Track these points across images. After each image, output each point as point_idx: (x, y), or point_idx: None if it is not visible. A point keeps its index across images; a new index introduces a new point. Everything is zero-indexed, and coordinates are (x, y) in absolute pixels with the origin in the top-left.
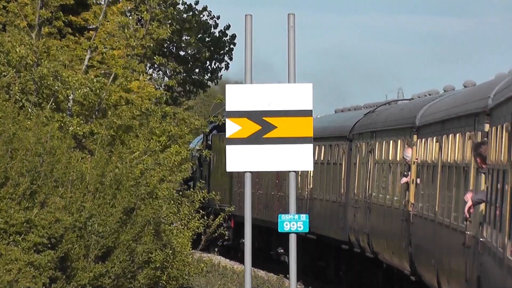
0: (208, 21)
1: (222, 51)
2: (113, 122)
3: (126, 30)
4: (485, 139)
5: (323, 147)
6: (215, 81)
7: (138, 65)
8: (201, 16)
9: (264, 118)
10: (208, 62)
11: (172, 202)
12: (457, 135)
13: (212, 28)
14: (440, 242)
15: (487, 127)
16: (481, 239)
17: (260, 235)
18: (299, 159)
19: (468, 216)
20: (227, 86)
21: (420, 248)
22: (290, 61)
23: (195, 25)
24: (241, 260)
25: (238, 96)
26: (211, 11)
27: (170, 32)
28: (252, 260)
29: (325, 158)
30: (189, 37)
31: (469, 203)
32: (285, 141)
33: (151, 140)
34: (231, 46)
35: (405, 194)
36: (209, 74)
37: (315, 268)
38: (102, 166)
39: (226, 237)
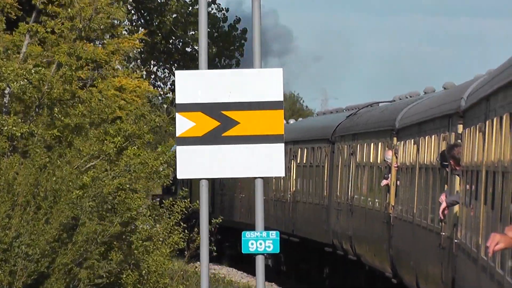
0: (216, 14)
1: (232, 47)
2: (58, 121)
3: (69, 10)
4: (459, 140)
5: (305, 149)
6: None
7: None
8: (209, 9)
9: (223, 112)
10: (216, 59)
11: (149, 214)
12: (433, 136)
13: (221, 22)
14: (418, 244)
15: (460, 128)
16: (455, 240)
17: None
18: (267, 162)
19: (442, 217)
20: (177, 73)
21: (400, 251)
22: (255, 39)
23: None
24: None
25: (191, 85)
26: (219, 4)
27: (125, 12)
28: (236, 264)
29: (308, 160)
30: (194, 32)
31: (443, 204)
32: (250, 140)
33: (105, 142)
34: (242, 41)
35: (386, 196)
36: None
37: (298, 271)
38: (35, 173)
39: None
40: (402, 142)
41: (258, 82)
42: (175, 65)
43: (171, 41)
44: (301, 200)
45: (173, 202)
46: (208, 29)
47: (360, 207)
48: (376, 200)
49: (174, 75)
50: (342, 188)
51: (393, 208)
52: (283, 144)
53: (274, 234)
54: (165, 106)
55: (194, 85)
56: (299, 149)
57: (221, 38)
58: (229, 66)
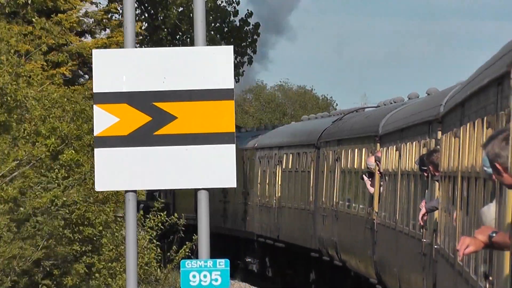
0: (227, 7)
1: (244, 43)
2: None
3: None
4: (438, 146)
5: (291, 154)
6: (236, 78)
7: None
8: (218, 2)
9: (155, 104)
10: None
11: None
12: (414, 143)
13: (232, 16)
14: (401, 250)
15: (439, 134)
16: (435, 246)
17: (227, 244)
18: (214, 169)
19: (422, 223)
20: (94, 52)
21: (384, 257)
22: (198, 8)
23: (210, 12)
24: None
25: (113, 68)
26: None
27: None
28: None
29: (293, 165)
30: None
31: (423, 210)
32: (191, 140)
33: (36, 144)
34: (255, 37)
35: (370, 202)
36: None
37: (284, 277)
38: None
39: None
40: (385, 148)
41: (202, 64)
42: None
43: (177, 37)
44: (286, 206)
45: (147, 216)
46: (218, 24)
47: (345, 212)
48: (361, 206)
49: None
50: (328, 194)
51: (377, 214)
52: (234, 146)
53: (222, 263)
54: None
55: (118, 68)
56: (285, 154)
57: (232, 34)
58: (241, 65)
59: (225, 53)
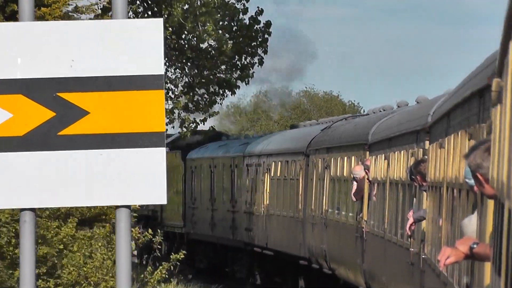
0: (235, 5)
1: (254, 43)
2: None
3: None
4: (425, 156)
5: (280, 162)
6: (246, 80)
7: None
8: None
9: (60, 95)
10: (236, 56)
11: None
12: (402, 152)
13: (241, 14)
14: (389, 259)
15: (427, 144)
16: (423, 256)
17: (215, 252)
18: (139, 180)
19: (409, 233)
20: None
21: (373, 265)
22: None
23: (218, 9)
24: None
25: (4, 49)
26: None
27: None
28: (208, 277)
29: (282, 173)
30: (207, 25)
31: (410, 220)
32: (107, 142)
33: None
34: (265, 36)
35: (359, 210)
36: (238, 72)
37: (273, 285)
38: None
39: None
40: (374, 157)
41: (123, 43)
42: (188, 64)
43: (183, 36)
44: (275, 213)
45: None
46: (226, 22)
47: (335, 220)
48: (350, 214)
49: (186, 76)
50: (317, 202)
51: (366, 222)
52: (164, 150)
53: None
54: (176, 111)
55: (10, 48)
56: (273, 162)
57: (241, 33)
58: (251, 66)
59: (154, 27)
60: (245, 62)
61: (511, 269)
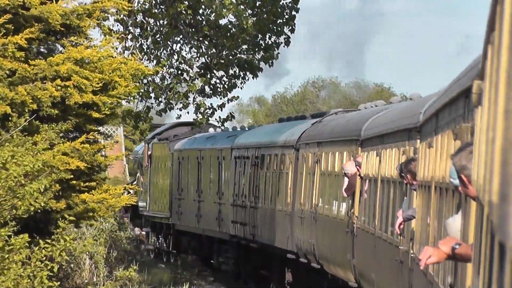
0: None
1: (280, 20)
2: None
3: None
4: (416, 155)
5: (269, 155)
6: (270, 62)
7: None
8: None
9: None
10: (259, 35)
11: None
12: (394, 149)
13: None
14: (379, 256)
15: (418, 143)
16: (411, 255)
17: (200, 244)
18: None
19: (398, 232)
20: None
21: (363, 262)
22: None
23: None
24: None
25: None
26: None
27: None
28: (193, 269)
29: (271, 166)
30: None
31: (400, 219)
32: None
33: None
34: (293, 12)
35: (350, 206)
36: (261, 53)
37: (259, 277)
38: None
39: (165, 246)
40: (365, 153)
41: None
42: (205, 42)
43: (200, 11)
44: (263, 207)
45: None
46: None
47: (324, 215)
48: (341, 209)
49: (203, 55)
50: (306, 196)
51: (357, 218)
52: None
53: None
54: (191, 95)
55: None
56: (262, 155)
57: (265, 8)
58: (276, 46)
59: None
60: (269, 42)
61: (489, 271)
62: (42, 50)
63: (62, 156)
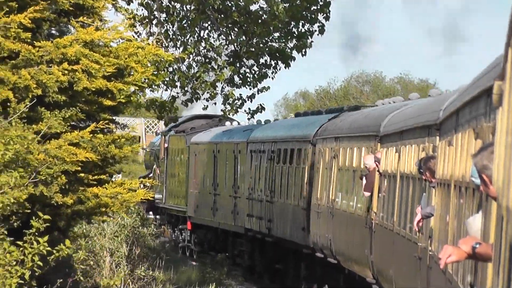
0: None
1: (315, 7)
2: None
3: None
4: (435, 153)
5: (286, 149)
6: (303, 50)
7: None
8: None
9: None
10: (292, 22)
11: None
12: (413, 146)
13: None
14: (397, 252)
15: (437, 140)
16: (430, 253)
17: (216, 237)
18: None
19: (417, 229)
20: None
21: (381, 257)
22: None
23: None
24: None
25: None
26: None
27: None
28: (211, 261)
29: (287, 160)
30: None
31: (419, 216)
32: None
33: None
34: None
35: (369, 202)
36: (294, 41)
37: (274, 272)
38: None
39: (181, 239)
40: (385, 149)
41: None
42: (234, 29)
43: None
44: (278, 201)
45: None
46: None
47: (342, 210)
48: (358, 205)
49: (232, 43)
50: (323, 191)
51: (375, 214)
52: None
53: None
54: (219, 85)
55: None
56: (279, 149)
57: None
58: (309, 34)
59: None
60: (303, 30)
61: (508, 271)
62: (53, 32)
63: (69, 146)
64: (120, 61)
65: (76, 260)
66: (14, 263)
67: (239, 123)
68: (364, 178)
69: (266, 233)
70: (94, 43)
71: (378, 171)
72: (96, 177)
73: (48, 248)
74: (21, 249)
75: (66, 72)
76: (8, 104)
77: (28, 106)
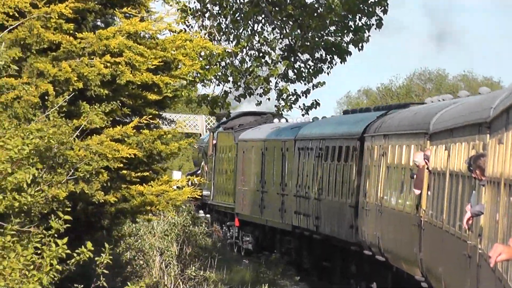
0: None
1: (372, 0)
2: None
3: None
4: (485, 151)
5: (333, 147)
6: (360, 45)
7: None
8: None
9: None
10: (349, 16)
11: None
12: (463, 144)
13: None
14: (446, 250)
15: (488, 138)
16: (479, 251)
17: (263, 234)
18: None
19: (467, 227)
20: None
21: (430, 255)
22: None
23: None
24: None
25: None
26: None
27: None
28: (256, 258)
29: (335, 158)
30: None
31: (468, 214)
32: None
33: None
34: None
35: (418, 199)
36: (350, 35)
37: (322, 269)
38: None
39: (229, 235)
40: (434, 147)
41: None
42: (289, 22)
43: None
44: (326, 198)
45: None
46: None
47: (390, 208)
48: (407, 203)
49: (286, 36)
50: (372, 188)
51: (424, 212)
52: None
53: None
54: (273, 80)
55: None
56: (327, 147)
57: None
58: (367, 28)
59: None
60: (360, 24)
61: None
62: (98, 24)
63: (111, 142)
64: (167, 53)
65: (98, 264)
66: (32, 267)
67: (287, 120)
68: (415, 175)
69: (313, 231)
70: (139, 34)
71: (428, 168)
72: (139, 174)
73: (68, 251)
74: (39, 251)
75: (108, 64)
76: (46, 97)
77: (66, 99)
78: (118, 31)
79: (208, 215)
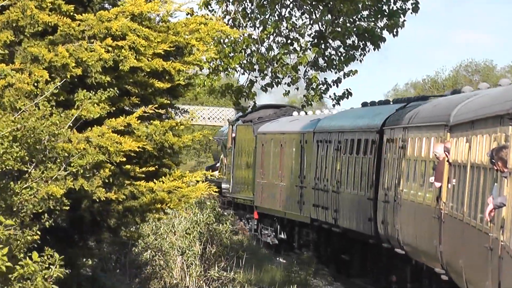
0: None
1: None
2: None
3: None
4: (507, 143)
5: (352, 140)
6: (395, 30)
7: None
8: None
9: None
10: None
11: None
12: (485, 136)
13: None
14: (467, 243)
15: (510, 130)
16: (501, 243)
17: (282, 226)
18: None
19: (489, 219)
20: None
21: (450, 248)
22: None
23: None
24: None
25: None
26: None
27: None
28: (276, 252)
29: (354, 150)
30: None
31: (490, 206)
32: None
33: None
34: None
35: (439, 192)
36: (384, 20)
37: (341, 262)
38: None
39: (248, 227)
40: (455, 139)
41: None
42: (319, 7)
43: None
44: (345, 191)
45: None
46: None
47: (410, 201)
48: (427, 195)
49: (315, 22)
50: (391, 181)
51: (445, 204)
52: None
53: None
54: (302, 68)
55: None
56: (346, 139)
57: None
58: (402, 12)
59: None
60: (395, 8)
61: None
62: (106, 6)
63: (112, 134)
64: (179, 38)
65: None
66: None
67: (306, 113)
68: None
69: (332, 223)
70: (145, 17)
71: (448, 160)
72: (144, 169)
73: (62, 270)
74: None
75: (110, 49)
76: (35, 84)
77: (58, 85)
78: (121, 12)
79: (232, 211)
